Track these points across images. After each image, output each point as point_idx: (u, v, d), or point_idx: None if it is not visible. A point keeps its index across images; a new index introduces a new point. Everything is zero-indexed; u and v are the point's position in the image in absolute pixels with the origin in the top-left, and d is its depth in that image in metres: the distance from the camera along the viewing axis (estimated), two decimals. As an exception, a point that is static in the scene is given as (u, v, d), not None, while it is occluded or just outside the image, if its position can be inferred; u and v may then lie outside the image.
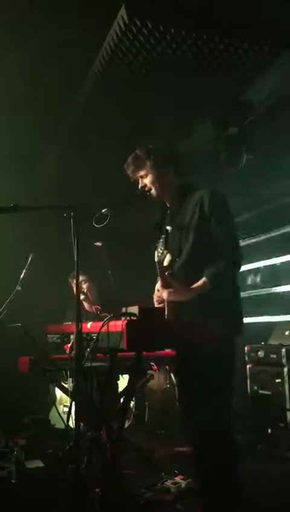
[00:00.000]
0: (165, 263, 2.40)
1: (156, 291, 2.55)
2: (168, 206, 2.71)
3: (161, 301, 2.57)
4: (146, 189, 2.64)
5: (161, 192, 2.63)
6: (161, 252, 2.48)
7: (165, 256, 2.44)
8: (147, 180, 2.63)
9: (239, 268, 2.50)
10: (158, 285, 2.50)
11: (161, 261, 2.44)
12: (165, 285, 2.43)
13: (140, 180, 2.66)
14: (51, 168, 5.25)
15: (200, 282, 2.39)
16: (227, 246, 2.43)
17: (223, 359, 2.39)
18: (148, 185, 2.63)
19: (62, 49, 3.32)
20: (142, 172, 2.64)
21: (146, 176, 2.63)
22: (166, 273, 2.42)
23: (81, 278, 4.78)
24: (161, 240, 2.54)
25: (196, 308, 2.41)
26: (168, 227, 2.58)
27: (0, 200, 2.47)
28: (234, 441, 2.41)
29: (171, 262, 2.52)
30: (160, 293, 2.49)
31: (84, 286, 4.82)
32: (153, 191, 2.63)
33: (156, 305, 2.60)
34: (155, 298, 2.63)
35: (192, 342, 2.28)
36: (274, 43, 3.31)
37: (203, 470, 2.46)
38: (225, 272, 2.40)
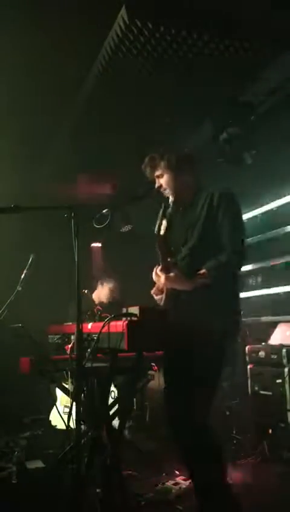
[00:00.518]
0: (162, 231, 2.43)
1: (154, 275, 2.58)
2: (181, 202, 2.75)
3: (158, 291, 2.60)
4: (162, 189, 2.71)
5: (176, 192, 2.70)
6: (159, 222, 2.52)
7: (161, 225, 2.48)
8: (163, 180, 2.70)
9: (241, 264, 2.53)
10: (157, 269, 2.53)
11: (158, 230, 2.48)
12: (165, 269, 2.47)
13: (157, 179, 2.74)
14: (52, 168, 5.25)
15: (200, 272, 2.43)
16: (231, 241, 2.48)
17: (213, 356, 2.40)
18: (164, 185, 2.70)
19: (63, 48, 3.33)
20: (158, 173, 2.71)
21: (162, 176, 2.70)
22: (168, 260, 2.44)
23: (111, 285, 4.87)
24: (161, 210, 2.59)
25: (195, 302, 2.43)
26: (171, 198, 2.63)
27: (1, 200, 2.47)
28: (214, 441, 2.43)
29: (175, 252, 2.54)
30: (158, 278, 2.53)
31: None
32: (169, 191, 2.70)
33: (154, 293, 2.64)
34: (153, 290, 2.65)
35: (186, 335, 2.29)
36: (275, 43, 3.31)
37: (189, 467, 2.48)
38: (226, 266, 2.43)
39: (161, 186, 2.71)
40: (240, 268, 2.56)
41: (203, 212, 2.55)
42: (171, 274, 2.47)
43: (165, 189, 2.70)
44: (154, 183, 2.74)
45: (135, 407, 4.52)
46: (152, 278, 2.65)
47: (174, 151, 2.72)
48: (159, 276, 2.55)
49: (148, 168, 2.73)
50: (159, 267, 2.56)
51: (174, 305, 2.49)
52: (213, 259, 2.43)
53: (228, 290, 2.50)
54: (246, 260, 2.55)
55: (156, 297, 2.64)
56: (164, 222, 2.58)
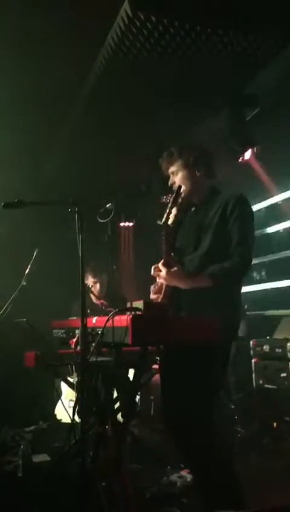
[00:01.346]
0: (170, 221, 2.41)
1: (153, 270, 2.53)
2: (194, 202, 2.71)
3: (157, 289, 2.57)
4: (175, 186, 2.65)
5: (189, 191, 2.64)
6: (168, 208, 2.48)
7: (170, 212, 2.44)
8: (177, 178, 2.66)
9: (245, 272, 2.49)
10: (159, 263, 2.50)
11: (166, 218, 2.45)
12: (166, 264, 2.44)
13: (171, 175, 2.70)
14: (56, 163, 5.25)
15: (202, 273, 2.41)
16: (238, 250, 2.43)
17: (211, 361, 2.37)
18: (178, 183, 2.64)
19: (66, 41, 3.32)
20: (173, 169, 2.67)
21: (177, 173, 2.66)
22: (171, 254, 2.42)
23: (93, 279, 4.80)
24: (173, 196, 2.54)
25: (196, 303, 2.42)
26: (183, 187, 2.57)
27: (5, 195, 2.48)
28: (218, 437, 2.42)
29: (182, 252, 2.52)
30: (158, 273, 2.48)
31: (94, 285, 4.80)
32: (181, 190, 2.62)
33: (152, 291, 2.60)
34: (152, 288, 2.63)
35: (202, 336, 2.28)
36: (279, 35, 3.28)
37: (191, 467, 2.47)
38: (230, 273, 2.40)
39: (174, 183, 2.67)
40: (245, 275, 2.52)
41: (216, 217, 2.50)
42: (173, 269, 2.43)
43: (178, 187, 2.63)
44: (168, 178, 2.70)
45: (139, 402, 4.54)
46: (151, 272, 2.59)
47: (194, 149, 2.67)
48: (159, 271, 2.48)
49: (165, 162, 2.69)
50: (161, 261, 2.50)
51: (172, 305, 2.46)
52: (218, 264, 2.40)
53: (229, 293, 2.47)
54: (250, 269, 2.51)
55: (152, 296, 2.59)
56: (174, 211, 2.51)
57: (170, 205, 2.49)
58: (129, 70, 3.60)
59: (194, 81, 3.80)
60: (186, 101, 4.05)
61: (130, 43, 3.27)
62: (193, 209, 2.70)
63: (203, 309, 2.39)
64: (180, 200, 2.55)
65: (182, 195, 2.55)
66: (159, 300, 2.52)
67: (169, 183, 2.70)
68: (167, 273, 2.43)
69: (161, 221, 2.53)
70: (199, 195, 2.67)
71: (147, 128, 3.19)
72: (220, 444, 2.44)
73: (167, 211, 2.50)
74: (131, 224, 6.48)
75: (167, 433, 2.61)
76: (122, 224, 6.48)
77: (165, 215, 2.51)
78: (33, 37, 3.27)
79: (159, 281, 2.52)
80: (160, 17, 3.03)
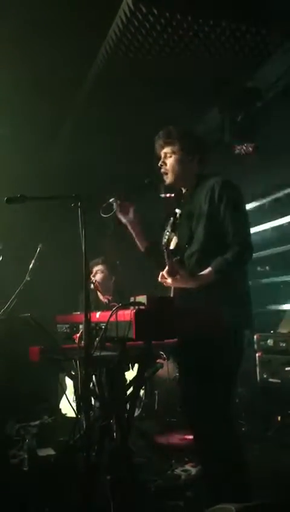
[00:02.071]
0: (172, 246, 2.38)
1: (160, 278, 2.52)
2: (183, 192, 2.69)
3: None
4: (163, 169, 2.61)
5: (177, 176, 2.60)
6: (168, 234, 2.46)
7: (171, 239, 2.42)
8: (169, 161, 2.60)
9: (248, 259, 2.47)
10: (164, 271, 2.50)
11: (167, 244, 2.44)
12: (170, 272, 2.42)
13: (162, 156, 2.63)
14: (59, 157, 5.24)
15: (206, 271, 2.38)
16: (236, 237, 2.41)
17: (227, 351, 2.39)
18: (168, 166, 2.60)
19: (68, 35, 3.30)
20: (167, 150, 2.60)
21: (170, 155, 2.60)
22: (174, 260, 2.41)
23: (97, 267, 4.79)
24: (170, 222, 2.53)
25: (205, 298, 2.40)
26: (177, 210, 2.56)
27: (8, 190, 2.47)
28: (235, 429, 2.47)
29: (180, 248, 2.51)
30: (164, 280, 2.47)
31: (97, 277, 4.78)
32: (169, 174, 2.60)
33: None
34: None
35: (199, 331, 2.28)
36: (282, 27, 3.25)
37: (206, 457, 2.48)
38: (233, 263, 2.38)
39: (164, 164, 2.61)
40: (248, 262, 2.50)
41: (205, 205, 2.47)
42: (178, 277, 2.40)
43: (165, 171, 2.60)
44: (159, 159, 2.64)
45: (143, 396, 4.55)
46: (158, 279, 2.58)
47: (193, 137, 2.63)
48: (165, 278, 2.46)
49: (160, 141, 2.61)
50: (165, 270, 2.46)
51: (183, 301, 2.46)
52: (219, 257, 2.38)
53: (237, 283, 2.47)
54: (252, 251, 2.47)
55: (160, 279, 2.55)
56: (175, 238, 2.46)
57: (169, 231, 2.45)
58: (130, 64, 3.58)
59: (195, 74, 3.77)
60: (187, 94, 4.02)
61: (132, 36, 3.25)
62: (182, 200, 2.68)
63: (209, 300, 2.38)
64: (177, 221, 2.53)
65: (178, 216, 2.50)
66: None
67: (159, 164, 2.62)
68: (173, 280, 2.41)
69: (163, 244, 2.56)
70: (187, 183, 2.64)
71: (151, 120, 3.17)
72: (237, 432, 2.47)
73: (167, 237, 2.47)
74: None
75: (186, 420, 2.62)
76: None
77: (165, 238, 2.50)
78: (35, 28, 3.25)
79: (166, 285, 2.51)
80: (162, 10, 3.01)
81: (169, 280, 2.43)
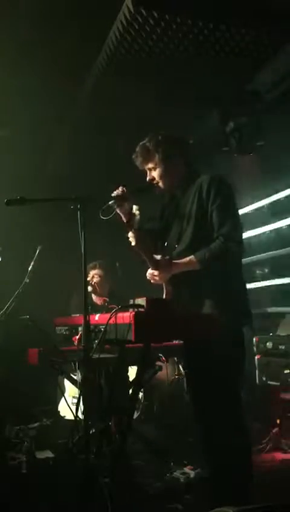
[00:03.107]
0: (133, 243, 2.45)
1: (149, 276, 2.55)
2: (176, 194, 2.70)
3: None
4: (154, 182, 2.60)
5: (170, 184, 2.60)
6: (126, 238, 2.49)
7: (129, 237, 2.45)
8: (156, 173, 2.58)
9: (235, 252, 2.43)
10: (149, 270, 2.53)
11: (130, 243, 2.48)
12: (154, 266, 2.47)
13: (148, 172, 2.62)
14: (57, 159, 5.24)
15: (187, 258, 2.40)
16: (221, 229, 2.39)
17: (233, 348, 2.41)
18: (157, 179, 2.59)
19: (69, 36, 3.31)
20: (150, 165, 2.58)
21: (155, 168, 2.58)
22: (153, 257, 2.45)
23: (94, 271, 4.80)
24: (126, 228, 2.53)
25: (197, 292, 2.43)
26: (134, 207, 2.52)
27: (7, 192, 2.47)
28: (247, 429, 2.46)
29: (170, 247, 2.52)
30: (153, 277, 2.51)
31: (95, 280, 4.81)
32: (161, 184, 2.59)
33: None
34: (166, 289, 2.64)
35: (203, 331, 2.29)
36: (281, 31, 3.26)
37: (216, 460, 2.47)
38: (216, 253, 2.36)
39: (153, 178, 2.60)
40: (237, 253, 2.46)
41: (194, 204, 2.47)
42: (162, 262, 2.44)
43: (157, 183, 2.59)
44: (145, 174, 2.63)
45: (142, 398, 4.54)
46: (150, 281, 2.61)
47: (168, 141, 2.57)
48: (154, 275, 2.49)
49: (140, 158, 2.58)
50: (150, 269, 2.52)
51: (179, 299, 2.47)
52: (204, 247, 2.38)
53: (226, 278, 2.45)
54: (241, 244, 2.45)
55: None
56: (130, 234, 2.47)
57: (127, 229, 2.44)
58: (130, 67, 3.58)
59: (195, 77, 3.78)
60: (190, 96, 4.03)
61: (132, 39, 3.25)
62: (173, 200, 2.68)
63: (204, 299, 2.40)
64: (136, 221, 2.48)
65: (137, 217, 2.45)
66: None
67: (147, 179, 2.61)
68: (159, 271, 2.45)
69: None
70: (177, 185, 2.63)
71: (150, 124, 3.17)
72: (247, 426, 2.49)
73: (127, 235, 2.47)
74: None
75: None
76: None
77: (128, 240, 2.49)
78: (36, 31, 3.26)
79: (159, 282, 2.53)
80: (162, 13, 3.01)
81: (156, 273, 2.46)
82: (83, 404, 2.36)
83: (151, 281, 2.57)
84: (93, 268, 4.79)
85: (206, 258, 2.36)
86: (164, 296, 2.55)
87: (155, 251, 2.58)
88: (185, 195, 2.58)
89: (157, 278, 2.49)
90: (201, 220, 2.45)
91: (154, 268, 2.48)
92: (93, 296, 4.74)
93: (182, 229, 2.53)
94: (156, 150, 2.54)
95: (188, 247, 2.48)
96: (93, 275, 4.82)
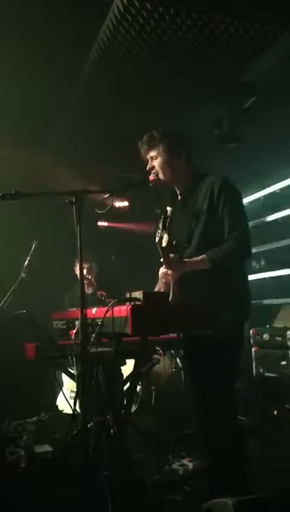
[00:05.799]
0: (164, 244, 2.38)
1: (161, 275, 2.53)
2: (178, 191, 2.71)
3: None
4: (153, 171, 2.62)
5: (168, 177, 2.62)
6: (160, 233, 2.46)
7: (162, 237, 2.42)
8: (157, 163, 2.62)
9: (246, 253, 2.49)
10: (162, 269, 2.51)
11: (159, 242, 2.44)
12: (168, 266, 2.44)
13: (149, 160, 2.65)
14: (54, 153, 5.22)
15: (199, 257, 2.42)
16: (233, 231, 2.44)
17: (230, 342, 2.43)
18: (156, 168, 2.62)
19: (61, 28, 3.28)
20: (153, 154, 2.63)
21: (156, 158, 2.62)
22: (171, 256, 2.41)
23: (85, 265, 4.80)
24: (161, 221, 2.52)
25: (204, 291, 2.43)
26: (168, 209, 2.55)
27: (2, 187, 2.46)
28: (238, 421, 2.50)
29: (179, 247, 2.52)
30: (166, 276, 2.48)
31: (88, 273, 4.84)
32: (160, 175, 2.61)
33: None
34: (159, 285, 2.64)
35: (200, 324, 2.30)
36: (275, 22, 3.24)
37: (211, 450, 2.51)
38: (228, 254, 2.40)
39: (152, 167, 2.63)
40: (246, 256, 2.52)
41: (205, 204, 2.50)
42: (174, 260, 2.42)
43: (156, 173, 2.61)
44: (146, 163, 2.66)
45: (140, 391, 4.56)
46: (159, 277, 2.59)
47: (176, 135, 2.64)
48: (167, 275, 2.47)
49: (145, 146, 2.64)
50: (163, 267, 2.49)
51: (184, 298, 2.47)
52: (216, 247, 2.42)
53: (235, 274, 2.50)
54: (251, 247, 2.50)
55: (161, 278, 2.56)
56: (165, 236, 2.40)
57: (161, 229, 2.40)
58: (124, 60, 3.56)
59: (189, 69, 3.76)
60: (184, 88, 4.01)
61: (126, 32, 3.23)
62: (179, 198, 2.69)
63: (210, 296, 2.41)
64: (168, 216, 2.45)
65: (169, 214, 2.41)
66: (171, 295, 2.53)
67: (147, 168, 2.65)
68: (172, 272, 2.43)
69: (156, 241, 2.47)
70: (181, 183, 2.66)
71: (145, 115, 3.15)
72: (239, 423, 2.52)
73: (159, 233, 2.42)
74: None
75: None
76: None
77: (158, 237, 2.44)
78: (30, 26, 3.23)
79: (170, 281, 2.49)
80: (155, 5, 2.99)
81: (170, 272, 2.44)
82: (81, 398, 2.36)
83: (163, 280, 2.56)
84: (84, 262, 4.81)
85: (219, 257, 2.39)
86: (171, 290, 2.53)
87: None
88: (192, 194, 2.60)
89: (170, 277, 2.47)
90: (212, 221, 2.48)
91: (168, 267, 2.45)
92: (86, 288, 4.76)
93: (191, 229, 2.54)
94: (162, 139, 2.60)
95: (199, 247, 2.50)
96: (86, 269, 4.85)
